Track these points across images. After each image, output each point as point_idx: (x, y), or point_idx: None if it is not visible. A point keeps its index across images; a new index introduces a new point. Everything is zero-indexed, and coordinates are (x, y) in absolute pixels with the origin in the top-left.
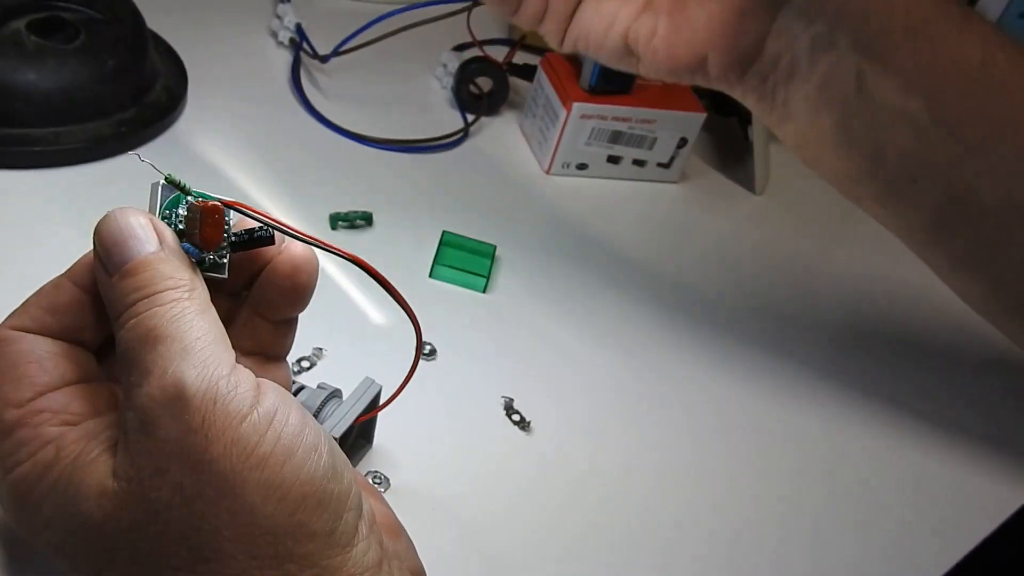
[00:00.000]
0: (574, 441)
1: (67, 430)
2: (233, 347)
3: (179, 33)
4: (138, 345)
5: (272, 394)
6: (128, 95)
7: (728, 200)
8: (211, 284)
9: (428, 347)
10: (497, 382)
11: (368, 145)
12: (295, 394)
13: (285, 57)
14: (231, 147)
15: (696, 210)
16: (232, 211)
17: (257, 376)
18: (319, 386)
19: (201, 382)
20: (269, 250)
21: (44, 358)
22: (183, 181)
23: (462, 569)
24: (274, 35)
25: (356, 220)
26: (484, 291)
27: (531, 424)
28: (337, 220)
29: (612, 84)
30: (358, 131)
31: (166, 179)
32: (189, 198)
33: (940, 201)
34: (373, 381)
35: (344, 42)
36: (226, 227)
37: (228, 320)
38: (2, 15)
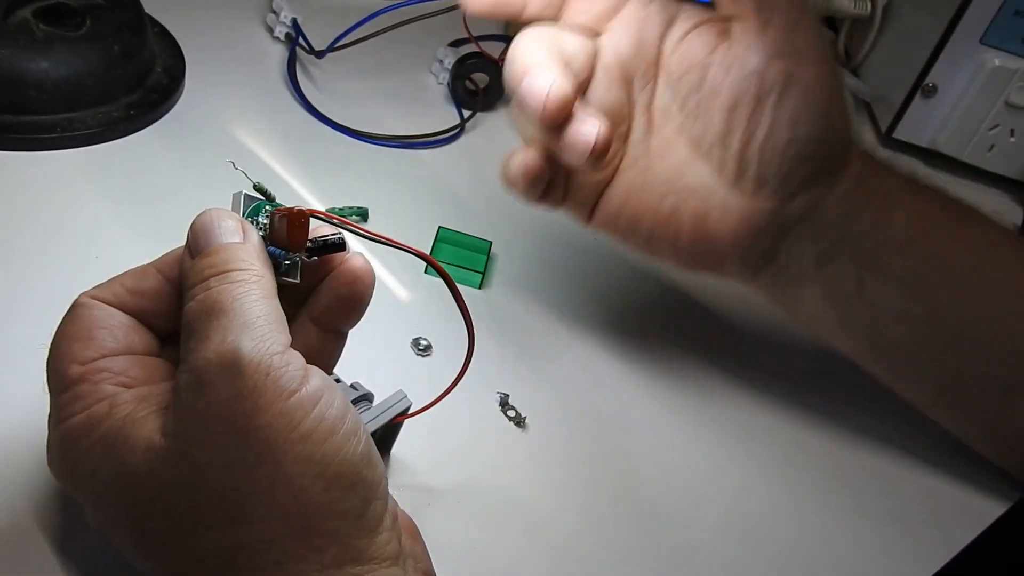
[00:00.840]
0: (569, 437)
1: (123, 390)
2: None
3: (174, 21)
4: (202, 315)
5: (318, 377)
6: (133, 78)
7: None
8: (282, 289)
9: (423, 343)
10: (492, 378)
11: (364, 141)
12: None
13: (281, 52)
14: (218, 141)
15: None
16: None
17: None
18: (352, 385)
19: (256, 354)
20: (333, 260)
21: (114, 326)
22: (268, 189)
23: (456, 564)
24: (270, 30)
25: (351, 216)
26: (480, 287)
27: (526, 420)
28: None
29: None
30: (354, 127)
31: (254, 186)
32: (268, 207)
33: (938, 378)
34: (405, 395)
35: (340, 37)
36: None
37: (291, 314)
38: (9, 4)
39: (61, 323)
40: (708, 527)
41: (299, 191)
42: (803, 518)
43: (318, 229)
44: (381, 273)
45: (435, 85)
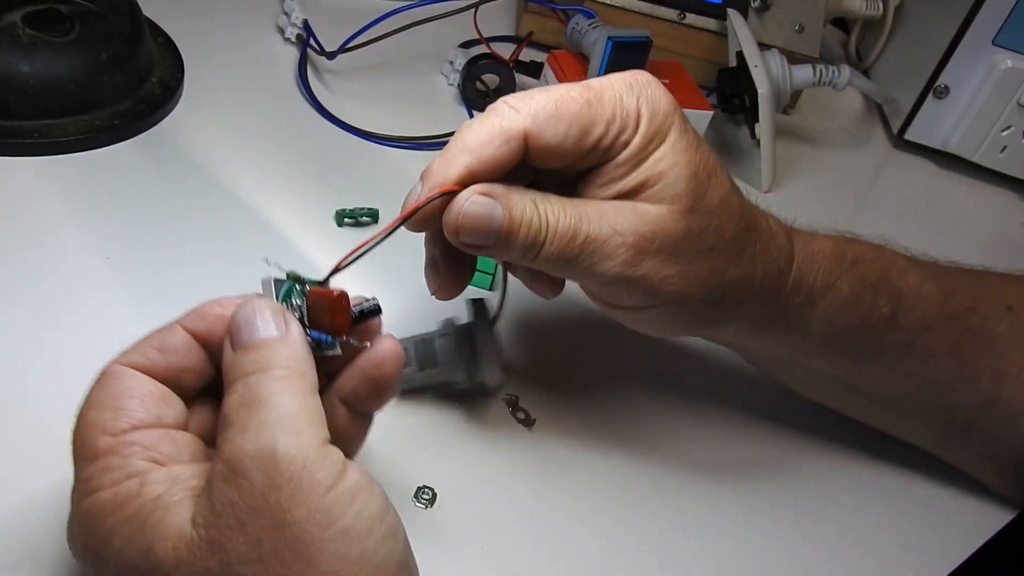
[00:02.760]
0: (578, 438)
1: (154, 467)
2: None
3: (182, 26)
4: (242, 407)
5: (357, 473)
6: (122, 87)
7: None
8: (323, 363)
9: None
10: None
11: (375, 142)
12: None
13: (292, 53)
14: (227, 143)
15: None
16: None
17: None
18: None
19: (292, 447)
20: (364, 335)
21: (145, 396)
22: (300, 275)
23: (464, 567)
24: (281, 31)
25: (362, 217)
26: (490, 288)
27: (535, 422)
28: (343, 217)
29: None
30: (365, 128)
31: (288, 276)
32: (298, 287)
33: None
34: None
35: (351, 39)
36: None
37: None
38: None
39: (90, 391)
40: (714, 529)
41: (309, 192)
42: (810, 525)
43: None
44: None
45: (446, 86)
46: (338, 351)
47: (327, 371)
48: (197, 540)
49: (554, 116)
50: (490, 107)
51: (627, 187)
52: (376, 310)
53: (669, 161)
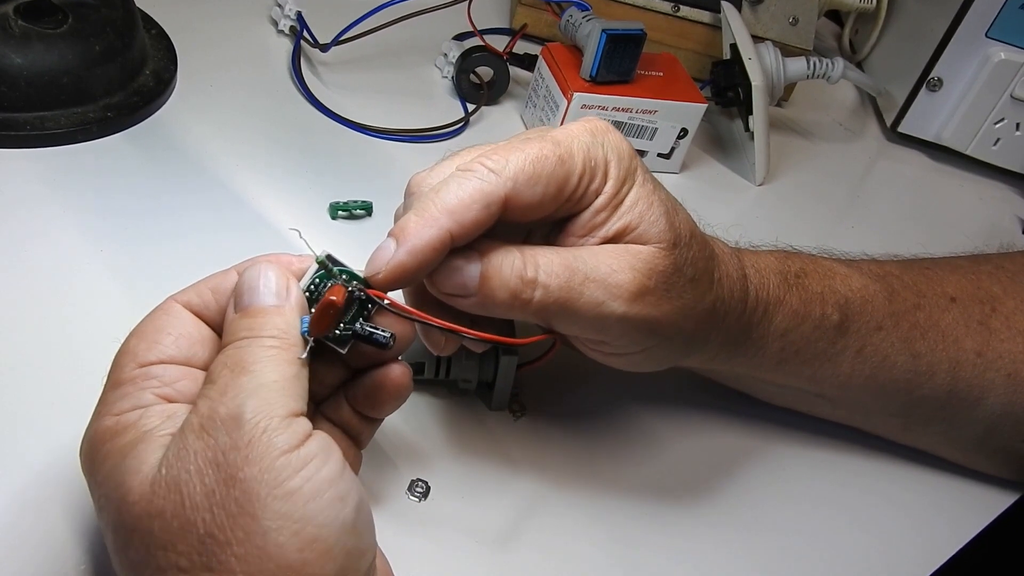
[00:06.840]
0: (571, 431)
1: (160, 403)
2: (322, 414)
3: (175, 18)
4: (227, 368)
5: (316, 443)
6: (115, 79)
7: (729, 190)
8: (329, 349)
9: None
10: None
11: (368, 134)
12: None
13: (285, 45)
14: (221, 135)
15: (696, 200)
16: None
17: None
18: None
19: (258, 413)
20: (382, 356)
21: (182, 335)
22: (332, 266)
23: (458, 560)
24: (274, 23)
25: (355, 210)
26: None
27: (524, 412)
28: (337, 210)
29: (613, 74)
30: (358, 120)
31: (317, 260)
32: (331, 281)
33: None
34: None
35: (345, 31)
36: (356, 317)
37: (332, 383)
38: None
39: (140, 321)
40: (712, 517)
41: (302, 185)
42: (808, 510)
43: (378, 317)
44: None
45: (440, 79)
46: (343, 351)
47: (337, 373)
48: (159, 480)
49: (532, 177)
50: (465, 167)
51: (611, 232)
52: (379, 342)
53: (645, 202)
